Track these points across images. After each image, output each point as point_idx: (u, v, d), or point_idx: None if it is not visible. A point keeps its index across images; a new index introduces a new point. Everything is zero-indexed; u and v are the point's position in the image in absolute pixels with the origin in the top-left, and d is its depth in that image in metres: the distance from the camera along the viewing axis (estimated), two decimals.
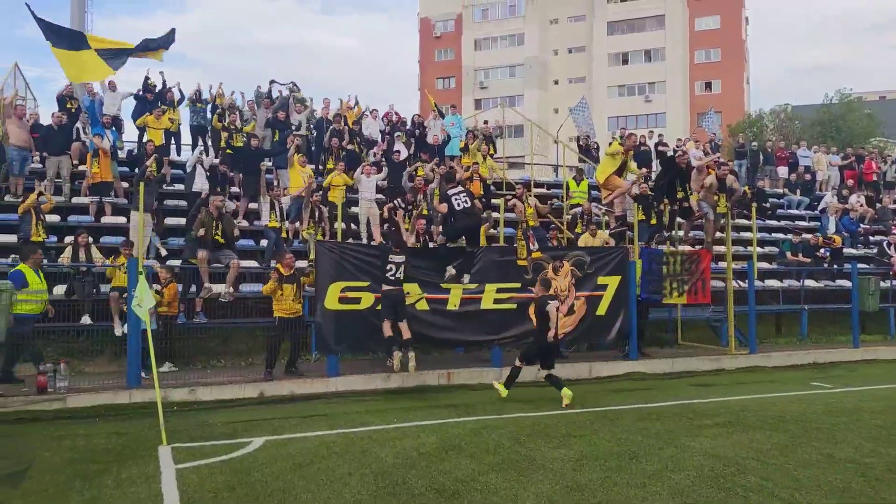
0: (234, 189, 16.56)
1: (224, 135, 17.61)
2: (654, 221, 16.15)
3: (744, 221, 19.98)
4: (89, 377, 11.18)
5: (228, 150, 16.82)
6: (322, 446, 8.08)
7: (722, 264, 16.44)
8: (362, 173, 16.12)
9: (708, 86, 65.61)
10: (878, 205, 23.81)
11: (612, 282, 13.42)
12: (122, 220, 14.83)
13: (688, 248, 16.06)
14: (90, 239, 12.98)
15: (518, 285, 12.62)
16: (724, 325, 15.69)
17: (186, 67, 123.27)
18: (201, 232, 12.26)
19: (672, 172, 15.36)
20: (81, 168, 15.97)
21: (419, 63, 74.44)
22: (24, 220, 12.86)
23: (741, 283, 16.28)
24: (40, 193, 13.45)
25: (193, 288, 12.62)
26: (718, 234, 16.90)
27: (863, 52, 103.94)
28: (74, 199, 15.64)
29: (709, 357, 14.67)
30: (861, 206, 23.21)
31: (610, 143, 16.58)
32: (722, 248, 16.82)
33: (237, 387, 10.93)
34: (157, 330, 10.58)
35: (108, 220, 15.05)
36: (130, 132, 19.51)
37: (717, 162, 17.44)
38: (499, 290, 12.41)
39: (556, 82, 69.29)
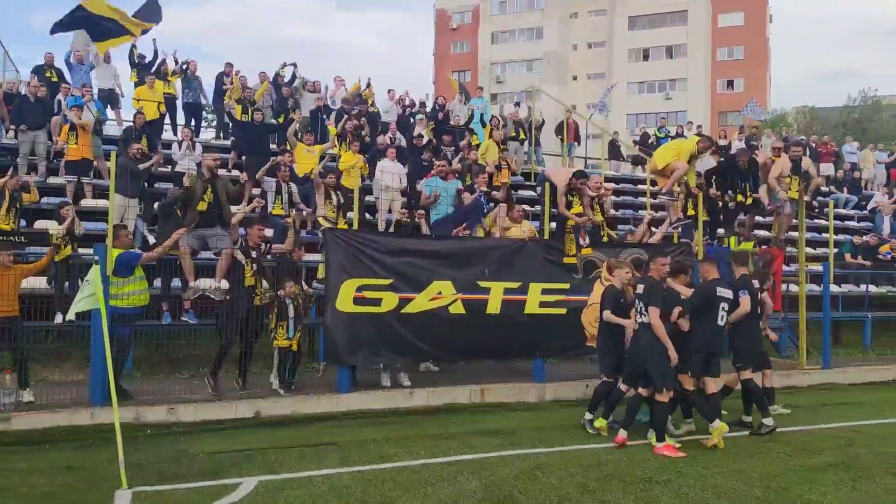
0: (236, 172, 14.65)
1: (238, 108, 15.63)
2: (705, 218, 13.94)
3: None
4: (49, 389, 9.03)
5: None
6: (331, 493, 6.16)
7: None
8: (385, 157, 14.22)
9: (730, 84, 63.57)
10: None
11: None
12: (104, 203, 12.88)
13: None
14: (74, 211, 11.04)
15: (567, 286, 10.63)
16: (784, 334, 13.71)
17: (199, 61, 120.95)
18: (186, 182, 9.87)
19: (733, 170, 13.33)
20: (61, 145, 14.05)
21: (434, 56, 72.30)
22: None
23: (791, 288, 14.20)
24: (24, 185, 11.48)
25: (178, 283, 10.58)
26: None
27: (884, 58, 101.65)
28: (51, 180, 13.75)
29: (776, 372, 12.60)
30: None
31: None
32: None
33: (228, 404, 8.91)
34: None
35: (88, 203, 13.14)
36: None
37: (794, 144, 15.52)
38: (544, 292, 10.37)
39: (575, 78, 67.07)
